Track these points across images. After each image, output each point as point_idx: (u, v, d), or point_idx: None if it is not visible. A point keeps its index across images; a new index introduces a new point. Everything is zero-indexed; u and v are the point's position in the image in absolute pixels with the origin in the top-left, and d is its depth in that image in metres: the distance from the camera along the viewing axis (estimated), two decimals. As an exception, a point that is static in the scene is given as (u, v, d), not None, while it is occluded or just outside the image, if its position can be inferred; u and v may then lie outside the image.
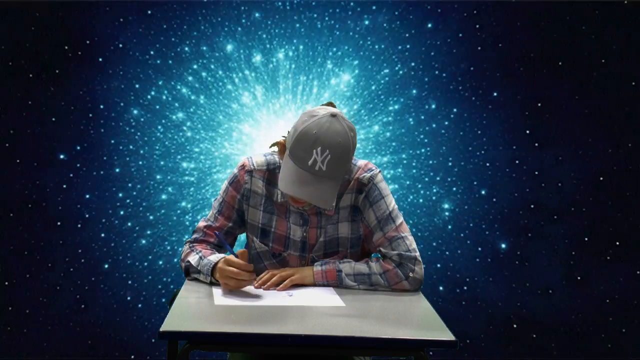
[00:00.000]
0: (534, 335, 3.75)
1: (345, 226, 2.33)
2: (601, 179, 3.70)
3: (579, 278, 3.73)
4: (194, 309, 2.03)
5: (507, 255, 3.76)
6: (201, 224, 2.41)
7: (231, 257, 2.17)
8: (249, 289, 2.23)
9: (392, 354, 1.94)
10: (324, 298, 2.17)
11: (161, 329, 1.81)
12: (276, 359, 2.15)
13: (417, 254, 2.29)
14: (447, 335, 1.85)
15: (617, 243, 3.70)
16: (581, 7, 3.67)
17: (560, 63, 3.72)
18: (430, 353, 2.39)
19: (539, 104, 3.74)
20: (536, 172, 3.75)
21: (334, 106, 2.27)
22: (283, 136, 2.30)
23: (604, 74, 3.68)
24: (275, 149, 2.36)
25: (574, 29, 3.68)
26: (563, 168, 3.72)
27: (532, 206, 3.75)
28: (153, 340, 3.80)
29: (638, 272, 3.69)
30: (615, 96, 3.68)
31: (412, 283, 2.26)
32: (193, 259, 2.30)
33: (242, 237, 2.53)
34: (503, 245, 3.76)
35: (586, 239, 3.72)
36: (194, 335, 1.81)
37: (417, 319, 2.05)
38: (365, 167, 2.33)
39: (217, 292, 2.18)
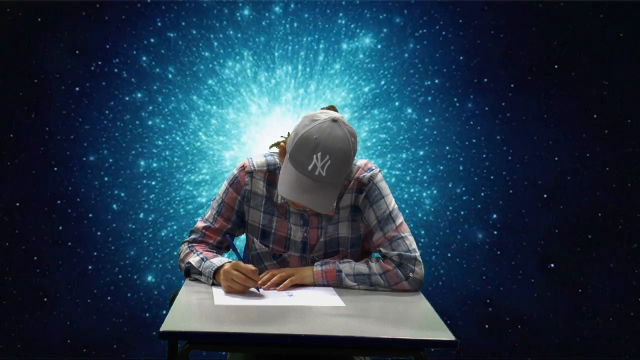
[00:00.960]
0: (508, 319, 4.00)
1: (345, 226, 2.49)
2: (568, 178, 3.96)
3: (551, 265, 3.98)
4: (194, 309, 2.16)
5: (481, 246, 3.96)
6: (199, 224, 2.55)
7: (239, 262, 2.31)
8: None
9: (392, 354, 2.07)
10: (324, 298, 2.31)
11: (161, 329, 1.92)
12: (276, 359, 2.29)
13: (417, 254, 2.44)
14: (447, 335, 1.98)
15: (589, 236, 3.99)
16: (550, 16, 3.89)
17: (529, 77, 3.94)
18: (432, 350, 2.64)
19: (508, 114, 3.92)
20: (504, 172, 3.95)
21: (335, 110, 2.40)
22: (282, 136, 2.44)
23: (571, 82, 3.94)
24: (275, 149, 2.51)
25: (539, 41, 3.91)
26: (529, 170, 3.94)
27: (500, 202, 3.95)
28: (155, 334, 3.98)
29: (611, 265, 3.99)
30: (582, 101, 3.94)
31: (412, 283, 2.42)
32: (194, 259, 2.43)
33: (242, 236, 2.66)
34: (480, 236, 3.94)
35: (557, 230, 3.99)
36: (194, 335, 1.93)
37: (417, 319, 2.19)
38: (365, 167, 2.48)
39: (217, 292, 2.30)
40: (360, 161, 2.52)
